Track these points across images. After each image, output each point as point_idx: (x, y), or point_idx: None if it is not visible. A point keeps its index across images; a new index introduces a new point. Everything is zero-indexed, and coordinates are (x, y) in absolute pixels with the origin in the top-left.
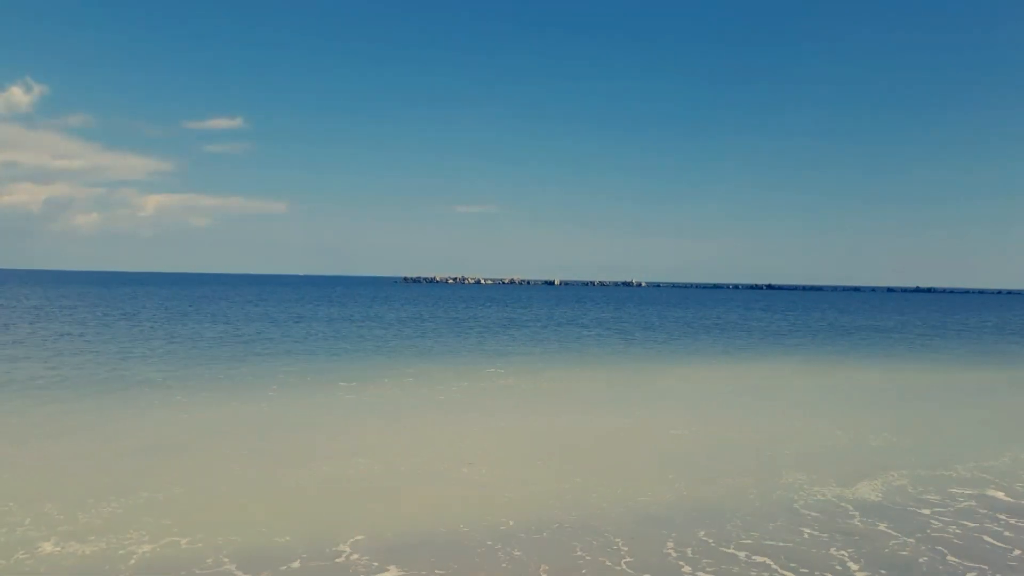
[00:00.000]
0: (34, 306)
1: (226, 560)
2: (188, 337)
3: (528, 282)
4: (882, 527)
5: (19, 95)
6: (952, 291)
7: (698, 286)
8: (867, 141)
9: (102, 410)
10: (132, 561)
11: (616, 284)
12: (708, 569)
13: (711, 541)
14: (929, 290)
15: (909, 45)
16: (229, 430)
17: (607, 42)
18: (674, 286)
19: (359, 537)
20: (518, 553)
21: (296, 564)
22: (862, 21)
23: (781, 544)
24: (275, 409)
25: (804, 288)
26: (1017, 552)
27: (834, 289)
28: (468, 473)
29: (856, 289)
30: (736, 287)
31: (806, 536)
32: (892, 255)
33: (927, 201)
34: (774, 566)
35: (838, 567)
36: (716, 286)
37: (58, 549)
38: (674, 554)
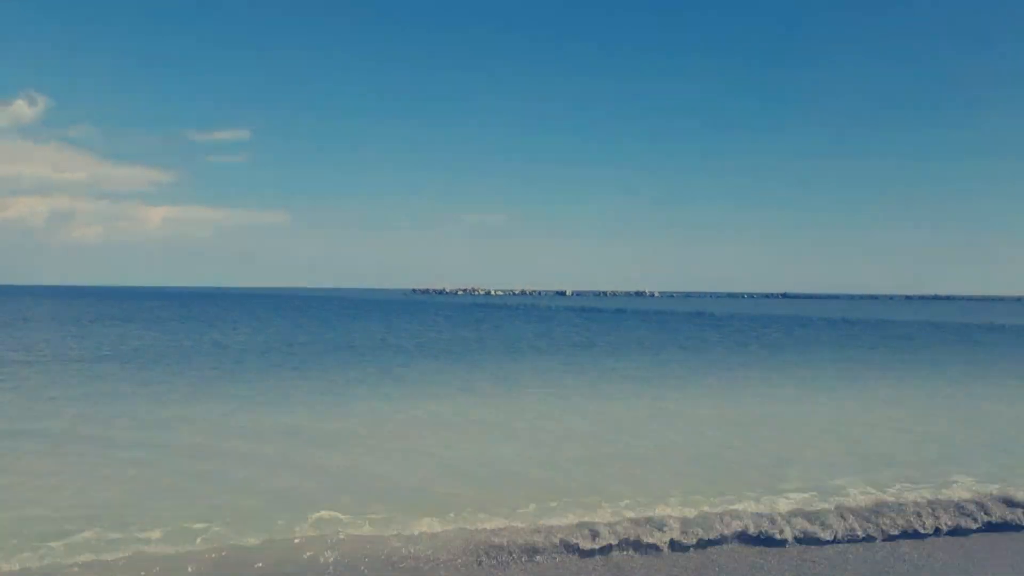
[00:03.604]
0: (92, 321)
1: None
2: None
3: (539, 293)
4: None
5: (23, 108)
6: (971, 298)
7: (713, 295)
8: (884, 145)
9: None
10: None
11: (628, 294)
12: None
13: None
14: (948, 298)
15: (929, 46)
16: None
17: (618, 50)
18: (688, 296)
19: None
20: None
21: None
22: (881, 22)
23: None
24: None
25: (820, 297)
26: None
27: (851, 297)
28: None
29: (873, 297)
30: (751, 296)
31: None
32: (909, 262)
33: (944, 206)
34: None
35: None
36: (731, 295)
37: (169, 546)
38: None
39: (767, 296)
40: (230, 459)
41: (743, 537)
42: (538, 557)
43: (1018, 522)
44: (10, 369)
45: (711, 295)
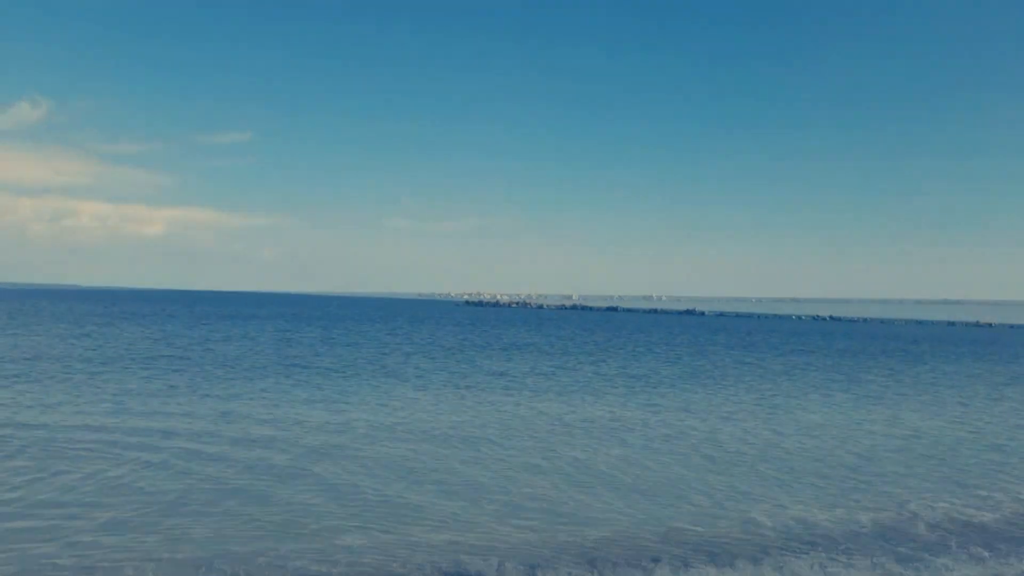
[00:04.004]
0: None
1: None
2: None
3: (541, 306)
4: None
5: (26, 110)
6: (982, 303)
7: (762, 316)
8: (886, 145)
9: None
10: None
11: (635, 298)
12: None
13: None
14: (958, 302)
15: (941, 46)
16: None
17: (626, 53)
18: (697, 301)
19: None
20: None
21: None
22: (889, 19)
23: None
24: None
25: (832, 301)
26: None
27: (891, 322)
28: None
29: (918, 322)
30: (760, 301)
31: None
32: (917, 268)
33: (954, 210)
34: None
35: None
36: (739, 299)
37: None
38: None
39: (777, 301)
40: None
41: None
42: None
43: None
44: (27, 366)
45: (718, 301)
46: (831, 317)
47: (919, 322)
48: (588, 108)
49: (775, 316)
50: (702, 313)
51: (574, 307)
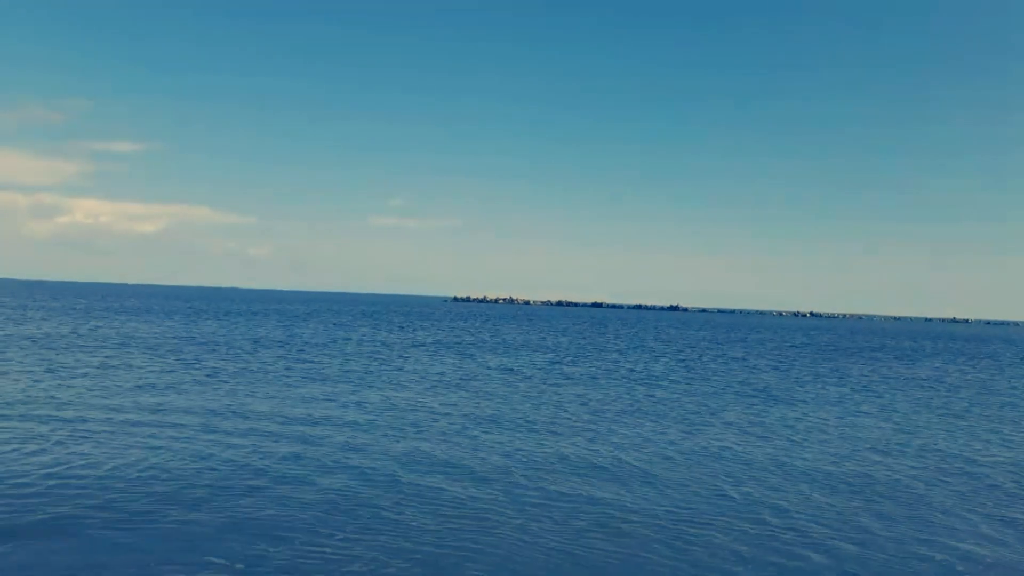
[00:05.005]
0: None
1: None
2: None
3: (528, 302)
4: None
5: (24, 110)
6: (989, 323)
7: (743, 312)
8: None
9: None
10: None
11: (630, 307)
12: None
13: None
14: (966, 321)
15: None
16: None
17: (639, 61)
18: (702, 311)
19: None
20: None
21: None
22: (926, 26)
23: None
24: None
25: (845, 316)
26: None
27: (870, 318)
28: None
29: (895, 319)
30: (780, 314)
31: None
32: (932, 284)
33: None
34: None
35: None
36: (760, 312)
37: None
38: None
39: (795, 315)
40: None
41: None
42: None
43: None
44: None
45: (742, 312)
46: (811, 313)
47: (896, 318)
48: (580, 109)
49: (757, 312)
50: (685, 309)
51: (559, 303)
